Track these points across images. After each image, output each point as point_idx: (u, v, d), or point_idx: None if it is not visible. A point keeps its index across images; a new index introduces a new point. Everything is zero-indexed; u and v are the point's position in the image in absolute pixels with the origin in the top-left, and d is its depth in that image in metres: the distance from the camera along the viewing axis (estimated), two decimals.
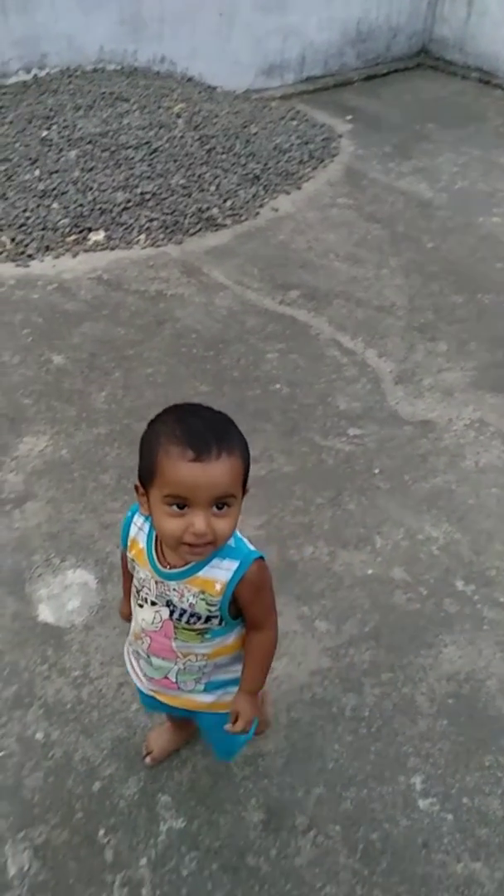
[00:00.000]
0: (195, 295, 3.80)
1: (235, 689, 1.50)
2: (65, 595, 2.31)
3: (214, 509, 1.20)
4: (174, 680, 1.48)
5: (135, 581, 1.42)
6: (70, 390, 3.11)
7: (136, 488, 1.28)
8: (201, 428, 1.19)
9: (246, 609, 1.37)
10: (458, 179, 5.20)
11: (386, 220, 4.73)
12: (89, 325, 3.51)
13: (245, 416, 3.06)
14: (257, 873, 1.70)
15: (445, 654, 2.22)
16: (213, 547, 1.24)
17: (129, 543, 1.41)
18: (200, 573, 1.31)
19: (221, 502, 1.20)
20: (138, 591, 1.42)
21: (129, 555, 1.41)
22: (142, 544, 1.37)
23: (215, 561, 1.31)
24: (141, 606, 1.42)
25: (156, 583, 1.36)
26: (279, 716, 2.02)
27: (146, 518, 1.36)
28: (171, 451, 1.17)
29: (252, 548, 1.35)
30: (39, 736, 1.93)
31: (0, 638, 2.16)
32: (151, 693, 1.57)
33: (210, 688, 1.51)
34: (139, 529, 1.39)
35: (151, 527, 1.33)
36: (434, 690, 2.12)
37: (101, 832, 1.74)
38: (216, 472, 1.16)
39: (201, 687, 1.50)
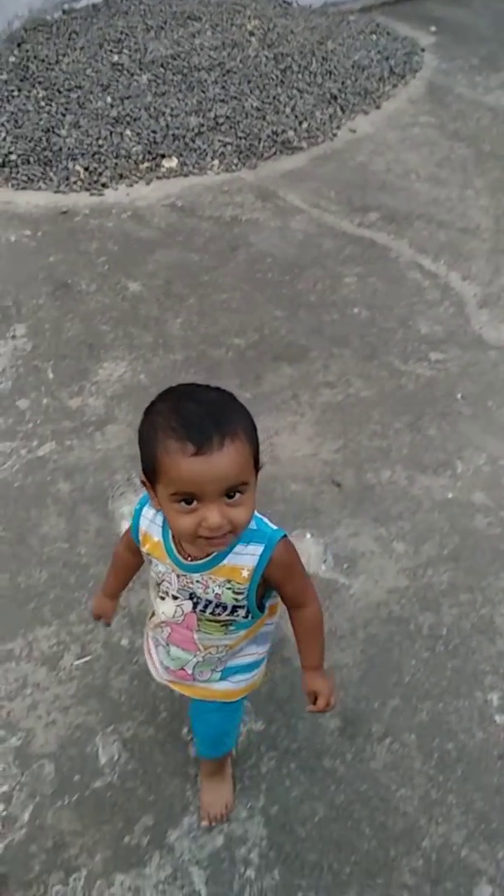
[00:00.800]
0: (270, 219, 3.72)
1: (248, 674, 1.46)
2: None
3: (226, 499, 1.11)
4: (190, 672, 1.43)
5: (152, 573, 1.34)
6: (146, 317, 3.13)
7: (143, 483, 1.19)
8: (199, 415, 1.08)
9: (281, 589, 1.31)
10: None
11: (471, 137, 4.48)
12: (163, 253, 3.50)
13: (322, 341, 3.02)
14: (333, 774, 1.75)
15: None
16: (233, 536, 1.16)
17: (141, 538, 1.32)
18: (225, 561, 1.24)
19: (233, 491, 1.11)
20: (158, 584, 1.34)
21: (144, 549, 1.32)
22: (157, 537, 1.29)
23: (239, 547, 1.23)
24: (162, 599, 1.34)
25: (177, 576, 1.28)
26: (356, 631, 2.04)
27: (158, 511, 1.27)
28: (170, 447, 1.07)
29: (274, 527, 1.27)
30: (125, 643, 2.01)
31: (85, 552, 2.24)
32: (166, 683, 1.51)
33: (226, 674, 1.45)
34: (151, 522, 1.30)
35: (165, 518, 1.25)
36: None
37: (185, 730, 1.82)
38: (222, 463, 1.07)
39: (217, 675, 1.44)
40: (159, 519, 1.29)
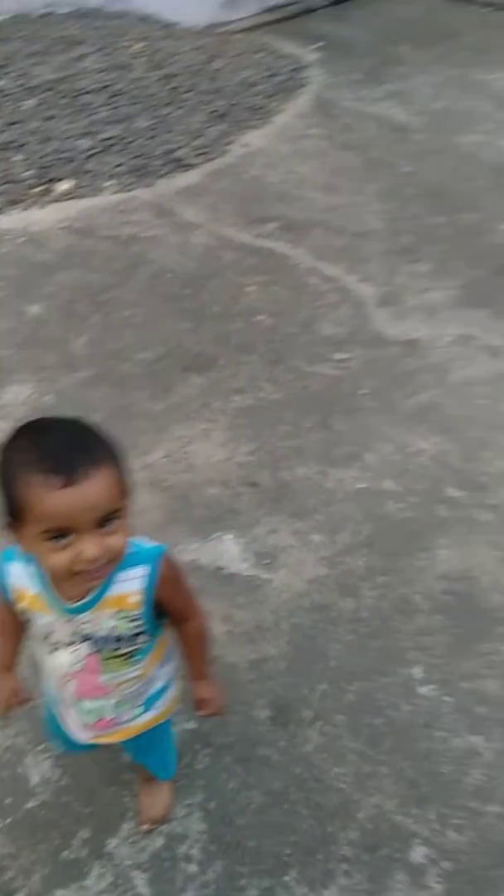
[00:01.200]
0: (169, 235, 3.78)
1: (168, 692, 1.45)
2: None
3: (101, 529, 1.07)
4: (112, 717, 1.38)
5: (36, 630, 1.28)
6: (49, 338, 3.13)
7: (8, 527, 1.11)
8: (61, 446, 1.05)
9: (169, 605, 1.28)
10: (434, 101, 5.11)
11: (360, 147, 4.67)
12: (63, 274, 3.51)
13: (229, 349, 3.08)
14: (268, 761, 1.79)
15: (439, 556, 2.28)
16: (111, 565, 1.14)
17: (14, 596, 1.24)
18: (109, 593, 1.20)
19: (108, 519, 1.07)
20: (45, 639, 1.27)
21: (21, 606, 1.24)
22: (33, 590, 1.21)
23: (120, 574, 1.19)
24: (55, 652, 1.28)
25: (65, 622, 1.22)
26: (280, 623, 2.09)
27: (28, 559, 1.19)
28: (35, 482, 1.02)
29: (152, 543, 1.25)
30: None
31: None
32: (91, 742, 1.45)
33: (149, 705, 1.42)
34: (22, 576, 1.22)
35: (38, 566, 1.18)
36: (430, 589, 2.19)
37: None
38: (92, 492, 1.03)
39: (141, 710, 1.41)
40: (31, 569, 1.21)
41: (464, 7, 6.53)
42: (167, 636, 1.40)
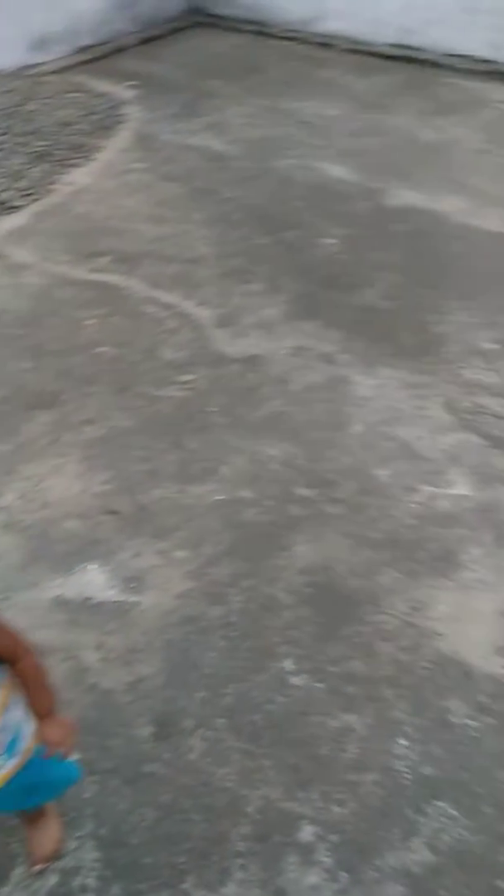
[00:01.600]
0: (1, 277, 3.75)
1: (27, 731, 1.44)
2: None
3: None
4: None
5: None
6: None
7: None
8: None
9: None
10: (248, 130, 5.38)
11: (183, 177, 4.82)
12: None
13: (73, 383, 3.10)
14: (155, 776, 1.82)
15: (297, 552, 2.41)
16: None
17: None
18: None
19: None
20: None
21: None
22: None
23: None
24: None
25: None
26: (153, 642, 2.13)
27: None
28: None
29: None
30: None
31: None
32: None
33: (10, 751, 1.41)
34: None
35: None
36: (292, 585, 2.30)
37: None
38: None
39: (3, 759, 1.40)
40: None
41: (265, 42, 6.94)
42: (8, 680, 1.38)
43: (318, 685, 2.03)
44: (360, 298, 3.72)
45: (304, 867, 1.67)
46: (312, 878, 1.65)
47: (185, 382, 3.17)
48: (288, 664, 2.08)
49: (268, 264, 4.00)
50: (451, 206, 4.42)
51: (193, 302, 3.68)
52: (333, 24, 6.78)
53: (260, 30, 7.05)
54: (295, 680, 2.04)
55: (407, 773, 1.83)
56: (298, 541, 2.45)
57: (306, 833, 1.72)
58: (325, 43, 6.78)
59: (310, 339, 3.43)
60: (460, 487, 2.61)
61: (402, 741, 1.90)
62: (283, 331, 3.49)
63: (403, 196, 4.54)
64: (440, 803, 1.77)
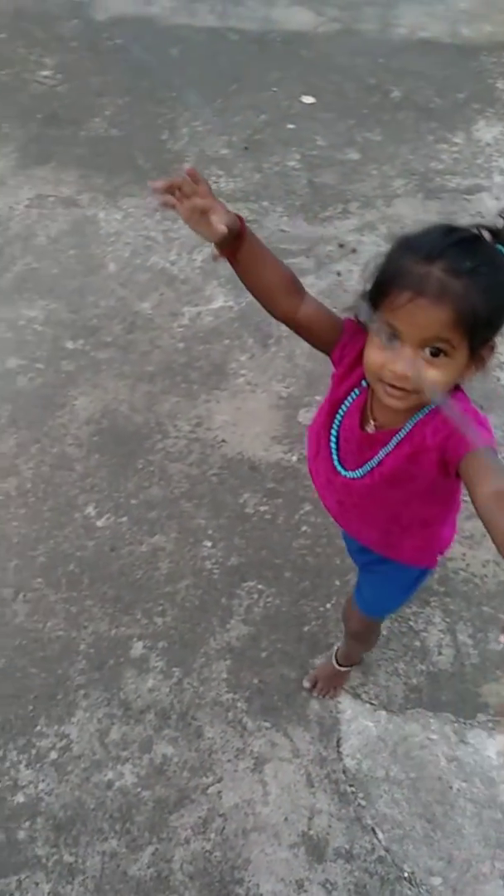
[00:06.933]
0: None
1: None
2: None
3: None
4: None
5: None
6: None
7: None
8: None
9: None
10: None
11: None
12: None
13: None
14: None
15: (78, 406, 2.41)
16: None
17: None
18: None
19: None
20: None
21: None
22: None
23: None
24: None
25: None
26: None
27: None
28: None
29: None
30: None
31: None
32: None
33: None
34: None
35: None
36: (79, 438, 2.33)
37: None
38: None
39: None
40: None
41: None
42: None
43: (122, 520, 2.12)
44: (89, 131, 3.49)
45: (140, 676, 1.83)
46: (150, 681, 1.83)
47: None
48: (90, 510, 2.15)
49: None
50: (159, 7, 4.13)
51: None
52: None
53: None
54: (99, 523, 2.13)
55: (216, 569, 2.01)
56: (76, 395, 2.44)
57: (137, 649, 1.88)
58: None
59: (46, 186, 3.22)
60: (219, 300, 2.67)
61: (207, 543, 2.06)
62: (16, 183, 3.24)
63: (111, 6, 4.18)
64: (248, 584, 1.97)
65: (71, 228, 3.02)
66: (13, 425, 2.37)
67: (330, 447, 1.25)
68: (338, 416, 1.22)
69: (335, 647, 1.78)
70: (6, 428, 2.36)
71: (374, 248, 2.83)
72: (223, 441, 2.28)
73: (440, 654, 1.85)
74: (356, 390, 1.19)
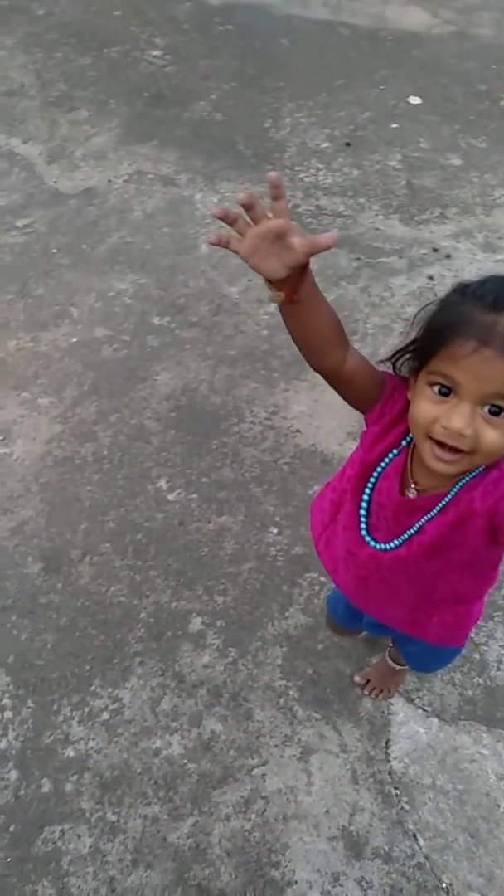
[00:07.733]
0: None
1: None
2: None
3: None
4: None
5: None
6: None
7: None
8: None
9: None
10: None
11: None
12: None
13: None
14: (52, 605, 1.93)
15: (160, 380, 2.45)
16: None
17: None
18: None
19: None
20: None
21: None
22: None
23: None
24: None
25: None
26: (30, 486, 2.18)
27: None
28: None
29: None
30: None
31: None
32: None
33: None
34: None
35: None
36: (158, 412, 2.36)
37: None
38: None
39: None
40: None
41: None
42: None
43: (192, 496, 2.15)
44: (193, 112, 3.54)
45: (196, 651, 1.86)
46: (205, 658, 1.85)
47: (23, 227, 3.01)
48: (162, 484, 2.19)
49: (93, 87, 3.71)
50: None
51: (19, 139, 3.42)
52: None
53: None
54: (170, 496, 2.16)
55: (280, 556, 2.02)
56: (158, 370, 2.48)
57: (195, 624, 1.90)
58: None
59: (146, 163, 3.28)
60: None
61: (273, 530, 2.07)
62: (117, 158, 3.31)
63: None
64: (310, 574, 1.98)
65: (167, 207, 3.06)
66: (95, 393, 2.42)
67: (359, 515, 1.14)
68: (371, 480, 1.11)
69: (389, 646, 1.77)
70: (89, 395, 2.41)
71: (470, 255, 2.80)
72: (298, 431, 2.28)
73: (499, 669, 1.82)
74: (395, 450, 1.09)
